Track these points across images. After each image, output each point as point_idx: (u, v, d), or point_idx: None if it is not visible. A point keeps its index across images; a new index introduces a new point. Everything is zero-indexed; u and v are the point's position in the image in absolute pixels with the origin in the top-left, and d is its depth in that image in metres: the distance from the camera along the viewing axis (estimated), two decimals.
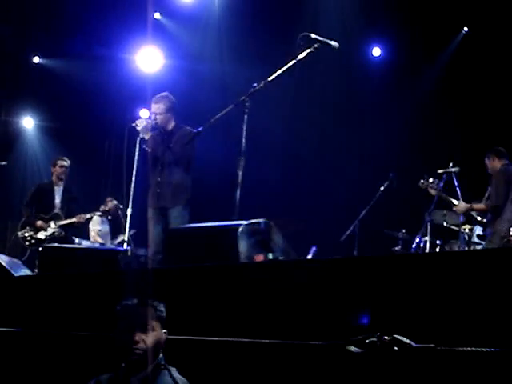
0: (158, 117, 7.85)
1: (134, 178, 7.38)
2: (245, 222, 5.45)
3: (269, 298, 4.18)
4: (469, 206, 8.92)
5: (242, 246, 5.30)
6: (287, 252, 5.78)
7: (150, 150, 7.76)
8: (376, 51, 12.37)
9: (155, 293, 3.98)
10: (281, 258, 5.63)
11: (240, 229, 5.33)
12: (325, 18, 11.50)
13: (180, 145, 7.69)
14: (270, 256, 5.53)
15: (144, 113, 12.76)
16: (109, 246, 8.43)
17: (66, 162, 10.07)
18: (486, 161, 9.01)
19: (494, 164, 8.94)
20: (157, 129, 7.90)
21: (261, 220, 5.58)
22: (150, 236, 7.73)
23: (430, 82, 11.62)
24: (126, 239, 7.48)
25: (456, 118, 10.97)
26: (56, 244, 8.06)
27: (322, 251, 10.11)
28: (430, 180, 9.07)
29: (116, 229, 10.92)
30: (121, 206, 10.56)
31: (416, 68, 11.72)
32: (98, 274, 5.35)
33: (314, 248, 10.13)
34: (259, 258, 5.54)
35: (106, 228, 10.97)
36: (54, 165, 10.08)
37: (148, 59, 12.01)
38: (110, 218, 10.76)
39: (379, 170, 10.05)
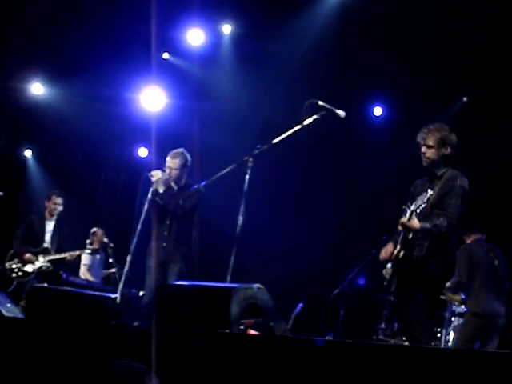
0: (173, 172, 7.98)
1: (140, 227, 7.44)
2: (238, 285, 5.47)
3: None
4: None
5: (234, 309, 5.31)
6: (278, 319, 5.80)
7: (161, 203, 7.87)
8: (378, 111, 12.46)
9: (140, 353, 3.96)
10: (271, 324, 5.66)
11: (233, 291, 5.35)
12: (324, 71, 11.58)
13: (190, 202, 7.82)
14: (261, 321, 5.55)
15: (143, 151, 12.88)
16: (98, 290, 8.40)
17: (60, 199, 10.05)
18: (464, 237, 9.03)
19: (466, 240, 8.98)
20: (169, 183, 8.00)
21: (254, 284, 5.60)
22: (147, 285, 7.90)
23: None
24: (119, 290, 7.48)
25: None
26: (45, 284, 8.01)
27: (309, 309, 10.17)
28: None
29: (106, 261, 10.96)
30: (110, 244, 10.57)
31: (416, 128, 11.76)
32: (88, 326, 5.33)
33: (300, 305, 10.17)
34: (249, 322, 5.56)
35: (97, 260, 10.96)
36: (48, 199, 10.06)
37: (151, 98, 12.06)
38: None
39: (376, 232, 10.05)
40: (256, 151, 6.28)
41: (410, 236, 6.19)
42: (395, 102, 11.92)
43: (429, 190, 6.03)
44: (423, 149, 6.38)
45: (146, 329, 5.19)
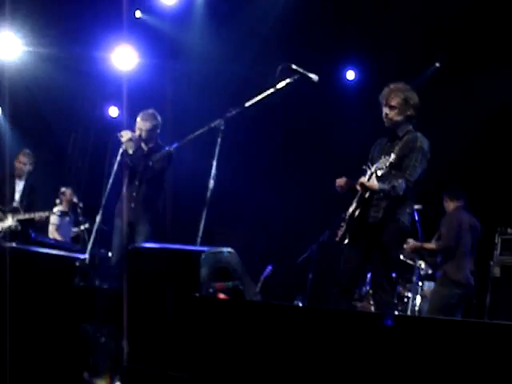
0: (143, 133, 7.97)
1: (108, 187, 7.40)
2: (208, 249, 5.46)
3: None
4: (419, 244, 8.89)
5: (204, 272, 5.31)
6: (247, 282, 5.81)
7: (131, 164, 7.86)
8: (350, 74, 12.45)
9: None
10: (240, 287, 5.66)
11: (203, 255, 5.34)
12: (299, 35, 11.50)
13: (159, 164, 7.79)
14: (230, 284, 5.55)
15: (114, 111, 12.76)
16: (66, 250, 8.37)
17: (27, 158, 9.96)
18: (444, 202, 9.09)
19: (448, 204, 9.02)
20: (139, 144, 7.92)
21: (224, 248, 5.59)
22: (114, 245, 7.97)
23: None
24: (88, 250, 7.46)
25: None
26: (13, 244, 7.95)
27: (277, 272, 10.21)
28: None
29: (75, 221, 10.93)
30: (79, 203, 10.52)
31: None
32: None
33: (269, 267, 10.21)
34: (219, 286, 5.56)
35: (65, 220, 10.91)
36: (16, 159, 9.99)
37: (123, 57, 11.92)
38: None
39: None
40: (228, 114, 6.22)
41: (367, 195, 6.23)
42: (368, 65, 11.90)
43: (392, 155, 6.01)
44: (386, 109, 6.40)
45: (115, 291, 5.17)
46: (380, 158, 6.24)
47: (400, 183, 6.06)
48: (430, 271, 9.27)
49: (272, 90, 6.28)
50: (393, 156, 6.00)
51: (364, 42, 11.17)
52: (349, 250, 6.42)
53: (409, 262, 9.42)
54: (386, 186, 6.08)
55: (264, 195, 11.38)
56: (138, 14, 12.33)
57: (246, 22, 11.44)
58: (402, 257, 9.39)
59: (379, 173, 6.06)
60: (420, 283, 9.29)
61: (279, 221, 11.39)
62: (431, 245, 8.88)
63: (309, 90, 7.48)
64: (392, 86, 6.47)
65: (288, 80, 6.32)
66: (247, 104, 6.27)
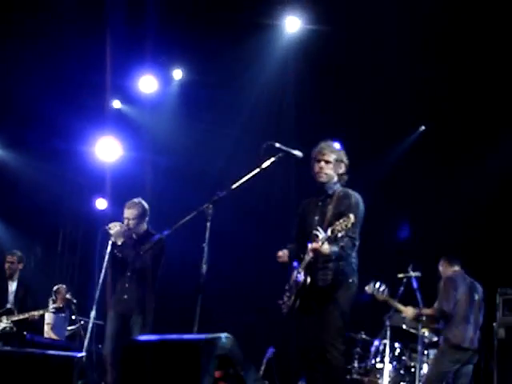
0: (130, 222, 7.92)
1: (101, 281, 7.37)
2: (206, 336, 5.35)
3: None
4: (417, 311, 8.73)
5: (204, 361, 5.19)
6: (248, 367, 5.67)
7: (120, 255, 7.77)
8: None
9: None
10: (242, 373, 5.52)
11: (201, 343, 5.23)
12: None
13: (151, 253, 7.69)
14: (231, 372, 5.42)
15: (101, 203, 12.71)
16: (63, 349, 8.26)
17: (14, 257, 9.91)
18: (439, 267, 8.99)
19: (445, 270, 8.91)
20: (128, 234, 7.88)
21: (222, 334, 5.48)
22: (107, 335, 7.76)
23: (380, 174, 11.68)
24: (85, 347, 7.35)
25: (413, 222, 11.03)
26: (8, 348, 7.83)
27: (280, 353, 10.03)
28: (377, 285, 8.92)
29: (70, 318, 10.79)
30: (73, 300, 10.39)
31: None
32: None
33: (271, 349, 10.04)
34: (220, 374, 5.42)
35: (60, 318, 10.77)
36: (4, 259, 9.94)
37: (106, 149, 11.95)
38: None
39: None
40: (215, 198, 6.18)
41: (312, 259, 6.16)
42: (348, 139, 11.93)
43: (351, 216, 5.89)
44: (322, 164, 6.39)
45: None
46: (314, 218, 6.31)
47: (346, 242, 6.09)
48: (434, 338, 9.11)
49: (257, 170, 6.26)
50: (352, 217, 5.88)
51: (344, 117, 11.22)
52: (302, 320, 6.33)
53: (412, 331, 9.27)
54: (336, 248, 6.06)
55: (257, 277, 11.29)
56: (116, 104, 12.38)
57: (227, 106, 11.52)
58: (404, 326, 9.27)
59: (340, 234, 5.96)
60: (425, 351, 9.11)
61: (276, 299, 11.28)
62: (429, 310, 8.75)
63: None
64: (328, 142, 6.53)
65: (273, 159, 6.29)
66: (233, 186, 6.24)
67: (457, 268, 8.83)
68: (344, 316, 6.20)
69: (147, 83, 11.87)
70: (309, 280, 6.21)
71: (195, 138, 11.74)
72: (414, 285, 8.96)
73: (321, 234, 6.07)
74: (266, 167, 6.27)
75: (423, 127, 11.99)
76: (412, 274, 8.99)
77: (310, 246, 6.18)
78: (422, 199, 11.10)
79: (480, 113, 10.64)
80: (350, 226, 5.88)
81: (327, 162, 6.39)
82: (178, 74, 12.00)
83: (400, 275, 9.07)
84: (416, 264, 9.01)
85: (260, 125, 11.26)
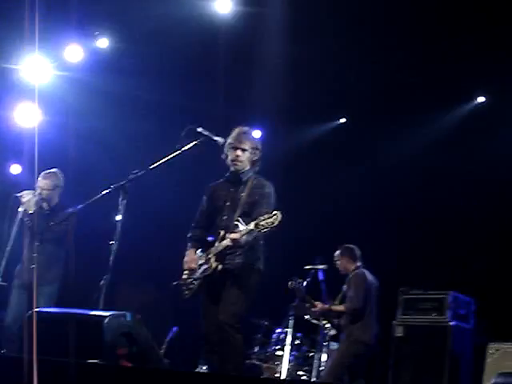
0: (44, 192, 7.85)
1: (8, 248, 7.31)
2: (111, 314, 5.37)
3: None
4: (327, 307, 8.94)
5: (107, 338, 5.21)
6: (151, 346, 5.73)
7: (29, 225, 7.66)
8: (257, 133, 12.52)
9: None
10: (144, 352, 5.57)
11: (106, 320, 5.26)
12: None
13: (63, 225, 7.63)
14: (134, 349, 5.46)
15: (16, 168, 12.47)
16: None
17: None
18: (338, 257, 9.08)
19: (347, 265, 9.00)
20: (40, 204, 7.79)
21: (128, 312, 5.52)
22: (12, 306, 7.77)
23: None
24: None
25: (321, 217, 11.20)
26: None
27: (184, 334, 10.07)
28: (299, 281, 9.08)
29: None
30: None
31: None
32: None
33: (174, 329, 10.07)
34: (123, 351, 5.45)
35: None
36: None
37: (26, 114, 11.71)
38: None
39: None
40: (132, 176, 6.18)
41: (226, 248, 6.17)
42: (274, 124, 12.03)
43: (277, 213, 5.88)
44: (238, 152, 6.37)
45: (15, 358, 5.02)
46: (225, 204, 6.31)
47: (258, 233, 6.03)
48: (333, 332, 9.27)
49: (177, 153, 6.29)
50: (279, 215, 5.86)
51: (269, 102, 11.26)
52: (207, 305, 6.33)
53: (314, 321, 9.43)
54: (249, 238, 6.07)
55: (169, 256, 11.27)
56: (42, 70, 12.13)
57: (154, 78, 11.41)
58: (307, 317, 9.43)
59: (263, 231, 5.92)
60: (325, 343, 9.28)
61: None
62: (340, 307, 8.88)
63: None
64: (243, 129, 6.50)
65: (194, 143, 6.34)
66: (151, 166, 6.26)
67: (359, 263, 8.99)
68: (245, 300, 6.20)
69: (73, 52, 11.68)
70: (220, 267, 6.20)
71: (121, 107, 11.59)
72: (320, 277, 9.16)
73: (242, 226, 6.04)
74: (185, 150, 6.32)
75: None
76: (319, 266, 9.20)
77: (225, 234, 6.16)
78: (328, 192, 11.27)
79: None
80: (276, 224, 5.86)
81: (244, 150, 6.38)
82: (103, 42, 11.80)
83: (307, 267, 9.25)
84: (323, 257, 9.21)
85: (187, 92, 11.16)
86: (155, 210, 11.28)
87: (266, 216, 5.88)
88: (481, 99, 11.01)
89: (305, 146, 12.03)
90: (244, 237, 6.02)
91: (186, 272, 6.46)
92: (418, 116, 10.93)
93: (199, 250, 6.47)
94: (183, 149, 6.29)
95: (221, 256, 6.22)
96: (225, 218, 6.33)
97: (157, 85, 11.08)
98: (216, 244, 6.27)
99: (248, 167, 6.45)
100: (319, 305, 8.93)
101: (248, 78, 10.90)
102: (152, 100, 11.37)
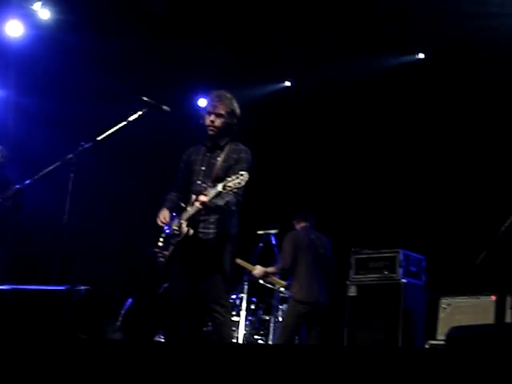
0: None
1: None
2: (65, 288, 5.37)
3: None
4: (264, 270, 9.04)
5: (62, 311, 5.22)
6: (107, 319, 5.75)
7: None
8: (202, 102, 12.48)
9: None
10: (100, 324, 5.60)
11: (60, 294, 5.26)
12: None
13: (10, 202, 7.57)
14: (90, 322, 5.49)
15: None
16: None
17: None
18: (294, 224, 9.20)
19: (295, 225, 9.14)
20: None
21: (81, 286, 5.53)
22: None
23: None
24: None
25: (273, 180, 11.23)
26: None
27: (139, 305, 10.06)
28: None
29: None
30: None
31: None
32: None
33: (129, 301, 10.07)
34: (78, 323, 5.48)
35: None
36: None
37: None
38: None
39: None
40: (80, 148, 6.12)
41: (197, 212, 6.10)
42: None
43: (244, 173, 5.85)
44: (212, 117, 6.28)
45: None
46: (201, 169, 6.25)
47: (231, 198, 6.05)
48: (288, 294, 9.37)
49: (124, 123, 6.24)
50: (246, 175, 5.83)
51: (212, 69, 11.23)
52: (179, 272, 6.26)
53: (268, 285, 9.51)
54: (221, 202, 6.01)
55: (120, 229, 11.25)
56: None
57: (97, 52, 11.28)
58: (261, 281, 9.50)
59: (231, 191, 5.91)
60: (280, 306, 9.37)
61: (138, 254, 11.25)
62: (272, 269, 8.99)
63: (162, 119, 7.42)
64: (219, 92, 6.41)
65: (140, 112, 6.28)
66: (99, 138, 6.21)
67: (305, 223, 9.06)
68: (228, 273, 6.19)
69: (12, 27, 11.47)
70: (191, 232, 6.12)
71: (64, 83, 11.45)
72: (273, 241, 9.25)
73: (211, 188, 5.99)
74: (132, 120, 6.27)
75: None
76: (271, 231, 9.28)
77: (197, 198, 6.06)
78: (278, 155, 11.32)
79: None
80: (243, 184, 5.82)
81: (219, 114, 6.27)
82: (44, 13, 11.57)
83: (259, 232, 9.32)
84: (274, 221, 9.28)
85: (129, 74, 11.08)
86: (108, 185, 11.24)
87: (234, 177, 5.83)
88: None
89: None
90: (213, 200, 5.95)
91: (160, 240, 6.39)
92: None
93: (173, 214, 6.36)
94: (129, 119, 6.23)
95: (192, 221, 6.14)
96: (198, 182, 6.26)
97: (101, 60, 10.99)
98: (188, 209, 6.19)
99: (226, 132, 6.34)
100: (258, 268, 9.03)
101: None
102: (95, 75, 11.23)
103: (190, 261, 6.20)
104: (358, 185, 10.83)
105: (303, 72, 11.38)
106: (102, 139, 6.21)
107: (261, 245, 9.25)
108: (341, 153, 11.03)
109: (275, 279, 9.24)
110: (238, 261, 8.99)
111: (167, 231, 6.32)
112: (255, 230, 9.37)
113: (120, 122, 6.24)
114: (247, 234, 9.34)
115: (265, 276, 9.13)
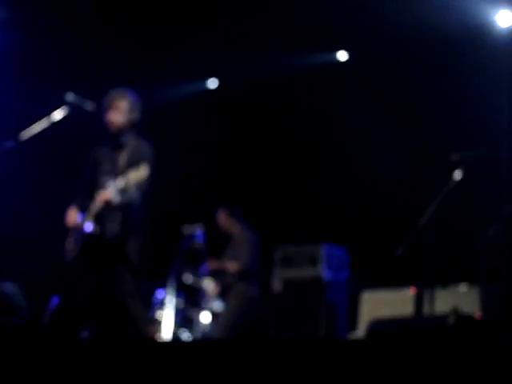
0: None
1: None
2: None
3: None
4: (221, 264, 9.21)
5: None
6: (30, 315, 5.75)
7: None
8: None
9: None
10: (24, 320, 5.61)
11: None
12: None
13: None
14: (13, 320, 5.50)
15: None
16: None
17: None
18: (222, 217, 9.31)
19: (230, 225, 9.27)
20: None
21: (6, 283, 5.53)
22: None
23: None
24: None
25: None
26: None
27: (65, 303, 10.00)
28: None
29: None
30: None
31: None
32: None
33: (55, 299, 9.98)
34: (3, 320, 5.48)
35: None
36: None
37: None
38: None
39: None
40: (2, 148, 6.10)
41: (100, 209, 6.15)
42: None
43: (143, 169, 5.94)
44: (111, 113, 6.32)
45: None
46: (106, 167, 6.27)
47: (135, 193, 6.10)
48: (214, 290, 9.40)
49: (48, 123, 6.22)
50: (145, 168, 5.93)
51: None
52: (86, 271, 6.31)
53: (192, 283, 9.55)
54: (124, 198, 6.06)
55: (46, 226, 11.14)
56: None
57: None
58: (187, 281, 9.52)
59: (132, 185, 5.99)
60: (207, 303, 9.41)
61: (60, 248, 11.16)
62: (234, 265, 9.03)
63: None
64: (118, 90, 6.44)
65: (63, 111, 6.28)
66: (22, 137, 6.18)
67: (244, 223, 9.22)
68: (136, 266, 6.23)
69: None
70: (98, 230, 6.16)
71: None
72: (201, 238, 9.29)
73: (113, 184, 6.03)
74: (57, 119, 6.26)
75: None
76: (196, 228, 9.32)
77: (99, 195, 6.11)
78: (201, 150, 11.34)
79: None
80: (144, 177, 5.90)
81: (116, 111, 6.29)
82: None
83: (185, 231, 9.33)
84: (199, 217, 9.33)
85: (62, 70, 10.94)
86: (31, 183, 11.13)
87: (135, 171, 5.90)
88: None
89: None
90: (116, 196, 6.01)
91: (69, 238, 6.40)
92: None
93: (79, 214, 6.34)
94: (53, 119, 6.22)
95: (97, 218, 6.16)
96: (103, 180, 6.26)
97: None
98: (92, 207, 6.19)
99: (126, 129, 6.36)
100: (214, 261, 9.15)
101: None
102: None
103: (97, 258, 6.23)
104: (279, 180, 10.83)
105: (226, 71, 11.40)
106: (26, 139, 6.19)
107: (187, 243, 9.26)
108: (258, 148, 11.04)
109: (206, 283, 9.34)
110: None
111: (75, 230, 6.33)
112: (178, 228, 9.37)
113: (43, 122, 6.22)
114: (171, 232, 9.41)
115: (216, 270, 9.20)
